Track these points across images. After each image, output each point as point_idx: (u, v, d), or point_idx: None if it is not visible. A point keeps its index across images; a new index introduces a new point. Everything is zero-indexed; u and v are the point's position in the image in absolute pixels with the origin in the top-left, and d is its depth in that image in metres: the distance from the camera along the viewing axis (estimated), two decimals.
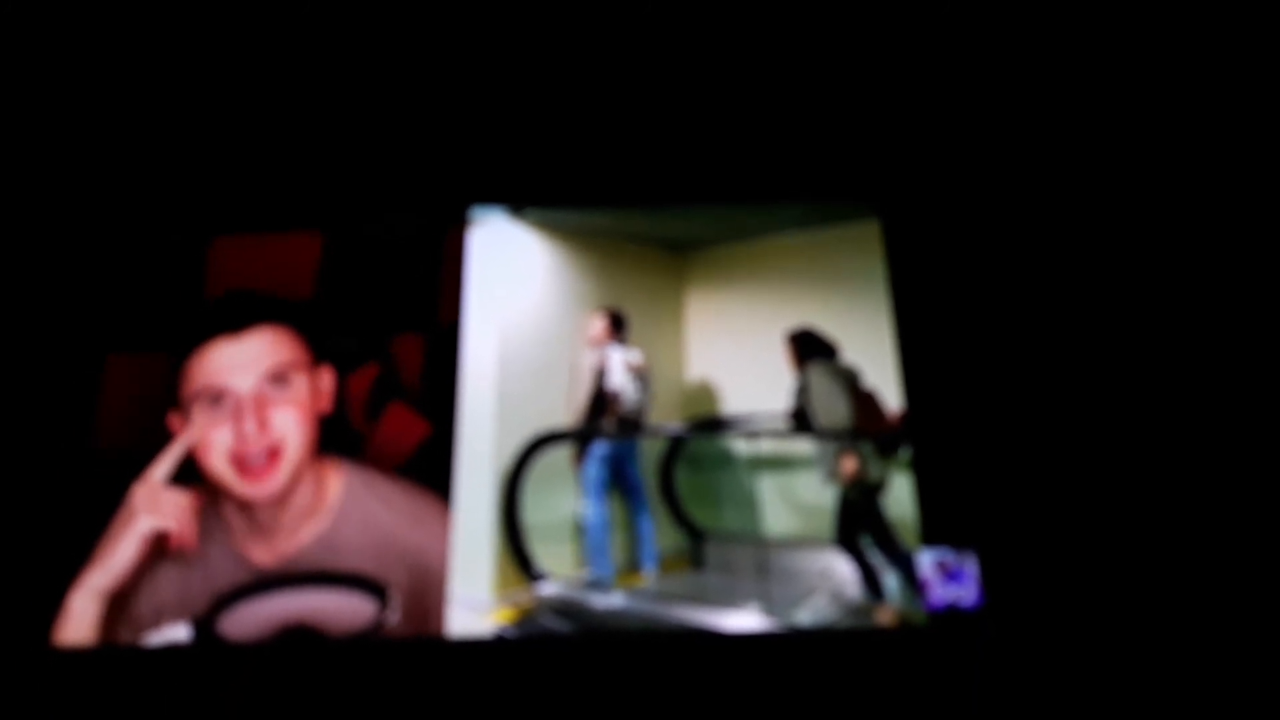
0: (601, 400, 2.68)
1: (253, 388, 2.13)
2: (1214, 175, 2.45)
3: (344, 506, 2.20)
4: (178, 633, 2.09)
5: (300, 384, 2.19)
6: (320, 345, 2.28)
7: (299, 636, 2.09)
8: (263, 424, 2.12)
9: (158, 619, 2.11)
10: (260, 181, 2.59)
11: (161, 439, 2.16)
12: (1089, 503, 2.19)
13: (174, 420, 2.18)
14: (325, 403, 2.25)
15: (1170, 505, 2.16)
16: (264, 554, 2.16)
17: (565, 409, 2.68)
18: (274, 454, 2.13)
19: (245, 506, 2.15)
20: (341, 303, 2.45)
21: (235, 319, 2.17)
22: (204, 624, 2.09)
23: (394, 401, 2.35)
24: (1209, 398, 2.25)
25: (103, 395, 2.33)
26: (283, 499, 2.15)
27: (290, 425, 2.15)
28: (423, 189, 2.58)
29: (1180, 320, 2.33)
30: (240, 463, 2.11)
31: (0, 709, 2.04)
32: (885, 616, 2.28)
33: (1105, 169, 2.50)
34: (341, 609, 2.12)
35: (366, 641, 2.10)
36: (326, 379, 2.27)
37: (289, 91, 2.66)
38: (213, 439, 2.12)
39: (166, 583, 2.12)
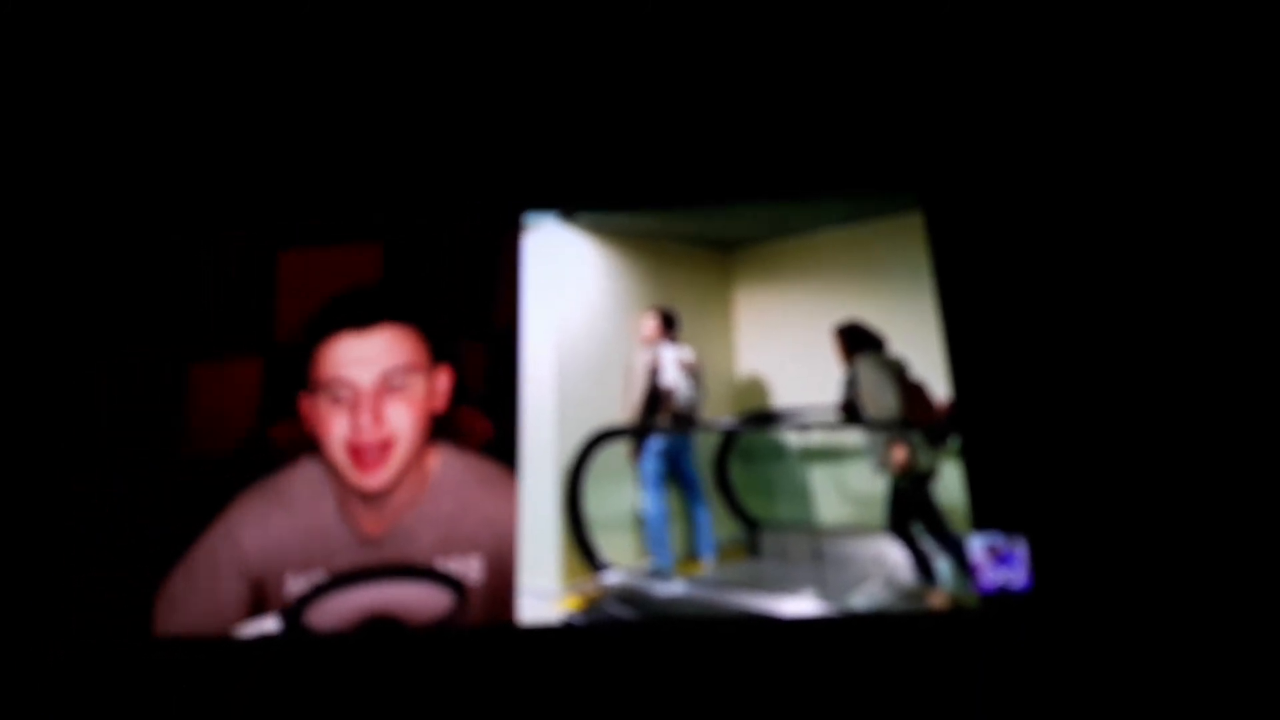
0: (656, 397, 2.74)
1: (373, 382, 2.25)
2: (1265, 164, 2.44)
3: (440, 480, 2.33)
4: (268, 624, 2.22)
5: (417, 383, 2.31)
6: (440, 345, 2.38)
7: (381, 627, 2.21)
8: (378, 418, 2.24)
9: (280, 579, 2.25)
10: (321, 194, 2.68)
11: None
12: (1135, 487, 2.20)
13: (304, 402, 2.32)
14: (440, 401, 2.37)
15: (1218, 491, 2.17)
16: (374, 525, 2.29)
17: (621, 407, 2.74)
18: (386, 447, 2.25)
19: (359, 487, 2.28)
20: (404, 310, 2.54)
21: (361, 315, 2.30)
22: (291, 616, 2.21)
23: (462, 404, 2.45)
24: (1261, 387, 2.25)
25: (189, 403, 2.45)
26: (393, 488, 2.27)
27: (404, 421, 2.27)
28: (477, 197, 2.66)
29: (1229, 308, 2.33)
30: (355, 453, 2.24)
31: (99, 700, 2.18)
32: (937, 600, 2.32)
33: (1149, 158, 2.49)
34: (421, 600, 2.23)
35: (445, 630, 2.21)
36: (444, 379, 2.38)
37: (346, 106, 2.75)
38: (333, 427, 2.26)
39: (288, 546, 2.27)
